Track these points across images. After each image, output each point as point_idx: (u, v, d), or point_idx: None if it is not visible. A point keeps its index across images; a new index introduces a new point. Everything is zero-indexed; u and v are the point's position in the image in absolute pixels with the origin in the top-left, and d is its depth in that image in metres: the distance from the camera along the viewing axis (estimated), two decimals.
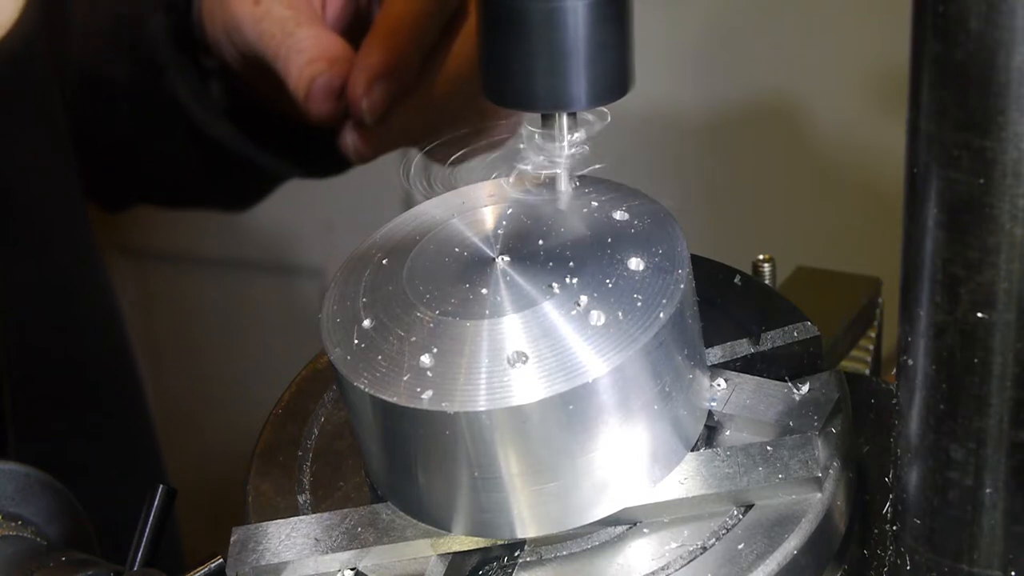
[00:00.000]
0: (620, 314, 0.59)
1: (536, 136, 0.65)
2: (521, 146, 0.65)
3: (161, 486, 0.74)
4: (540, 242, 0.62)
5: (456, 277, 0.62)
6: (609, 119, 0.65)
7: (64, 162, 1.18)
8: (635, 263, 0.61)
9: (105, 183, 1.28)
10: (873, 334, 0.86)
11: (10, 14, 0.55)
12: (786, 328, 0.68)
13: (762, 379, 0.66)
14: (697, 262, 0.63)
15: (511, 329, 0.59)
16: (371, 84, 0.99)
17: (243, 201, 1.42)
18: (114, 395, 1.26)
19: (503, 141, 1.19)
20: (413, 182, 0.67)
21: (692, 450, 0.63)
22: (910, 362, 0.57)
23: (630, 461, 0.60)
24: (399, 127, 1.03)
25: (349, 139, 1.05)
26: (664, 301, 0.59)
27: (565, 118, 0.64)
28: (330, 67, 1.01)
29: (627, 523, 0.62)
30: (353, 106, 1.00)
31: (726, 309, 0.70)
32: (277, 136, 1.18)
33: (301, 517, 0.64)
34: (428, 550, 0.62)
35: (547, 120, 0.64)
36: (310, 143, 1.15)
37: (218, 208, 1.54)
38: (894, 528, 0.61)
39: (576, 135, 0.64)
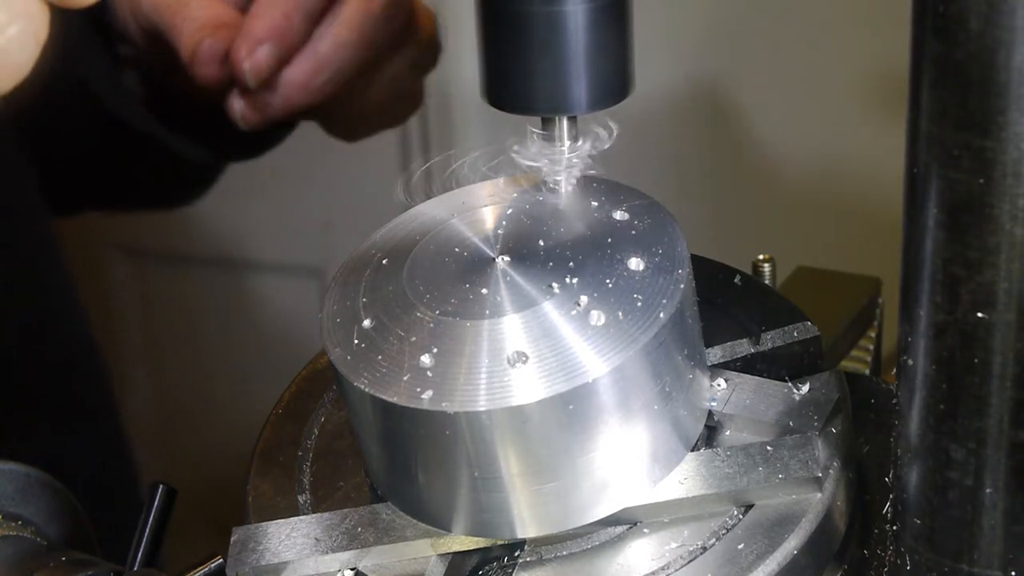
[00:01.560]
0: (620, 314, 0.59)
1: (536, 139, 0.65)
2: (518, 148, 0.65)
3: (161, 486, 0.74)
4: (540, 242, 0.62)
5: (456, 277, 0.62)
6: (615, 133, 0.65)
7: (23, 163, 1.18)
8: (635, 263, 0.61)
9: (51, 187, 1.28)
10: (873, 334, 0.86)
11: (31, 53, 0.55)
12: (786, 328, 0.68)
13: (762, 379, 0.66)
14: (697, 262, 0.63)
15: (511, 329, 0.59)
16: (253, 47, 1.00)
17: (182, 195, 1.42)
18: (81, 392, 1.26)
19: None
20: (413, 195, 0.67)
21: (692, 450, 0.63)
22: (910, 362, 0.57)
23: (630, 461, 0.60)
24: (285, 93, 1.04)
25: (236, 105, 1.06)
26: (664, 301, 0.59)
27: (565, 122, 0.64)
28: (216, 32, 1.02)
29: (627, 523, 0.62)
30: (235, 69, 1.01)
31: (726, 309, 0.70)
32: (191, 121, 1.17)
33: (301, 517, 0.64)
34: (428, 550, 0.62)
35: (547, 124, 0.65)
36: (223, 125, 1.15)
37: (160, 206, 1.54)
38: (894, 528, 0.61)
39: (580, 141, 0.65)
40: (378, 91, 1.11)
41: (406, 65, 1.11)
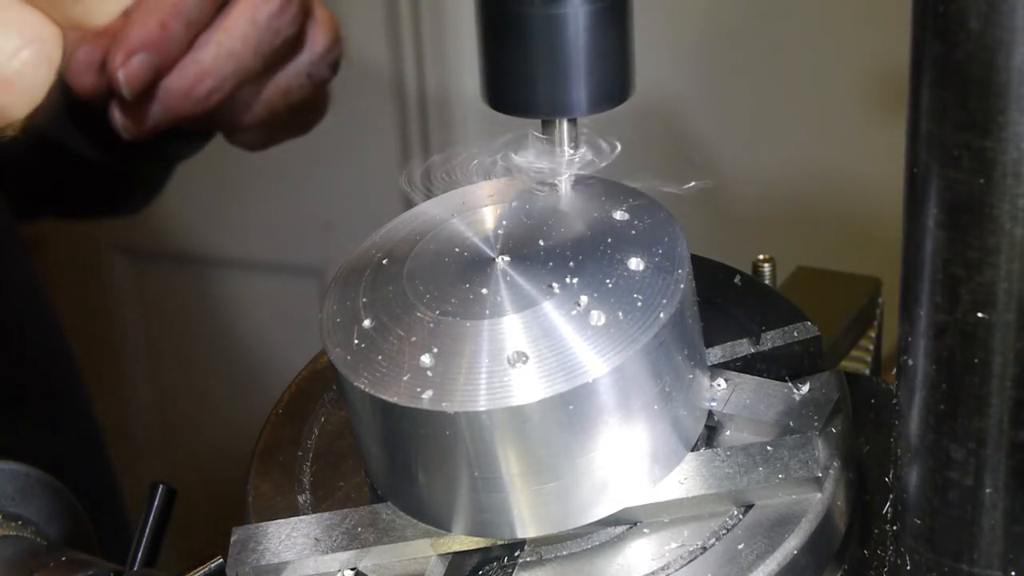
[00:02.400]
0: (620, 314, 0.59)
1: (537, 141, 0.65)
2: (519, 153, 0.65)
3: (161, 486, 0.74)
4: (540, 242, 0.62)
5: (456, 277, 0.62)
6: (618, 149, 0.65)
7: None
8: (635, 263, 0.61)
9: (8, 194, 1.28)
10: (873, 334, 0.86)
11: (45, 76, 0.54)
12: (786, 328, 0.68)
13: (762, 379, 0.66)
14: (697, 262, 0.63)
15: (511, 329, 0.59)
16: (128, 56, 0.98)
17: (123, 202, 1.40)
18: (53, 390, 1.26)
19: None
20: (414, 187, 0.67)
21: (692, 450, 0.63)
22: (910, 362, 0.57)
23: (630, 461, 0.60)
24: (166, 102, 1.02)
25: (116, 115, 1.03)
26: (664, 301, 0.59)
27: (566, 124, 0.64)
28: (95, 40, 0.99)
29: (627, 523, 0.62)
30: (111, 79, 0.99)
31: (726, 309, 0.70)
32: (98, 127, 1.14)
33: (301, 517, 0.64)
34: (428, 550, 0.62)
35: (547, 126, 0.65)
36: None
37: (107, 214, 1.53)
38: (894, 528, 0.61)
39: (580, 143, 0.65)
40: (271, 100, 1.09)
41: (301, 73, 1.09)
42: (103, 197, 1.36)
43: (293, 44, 1.06)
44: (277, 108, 1.10)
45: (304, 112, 1.15)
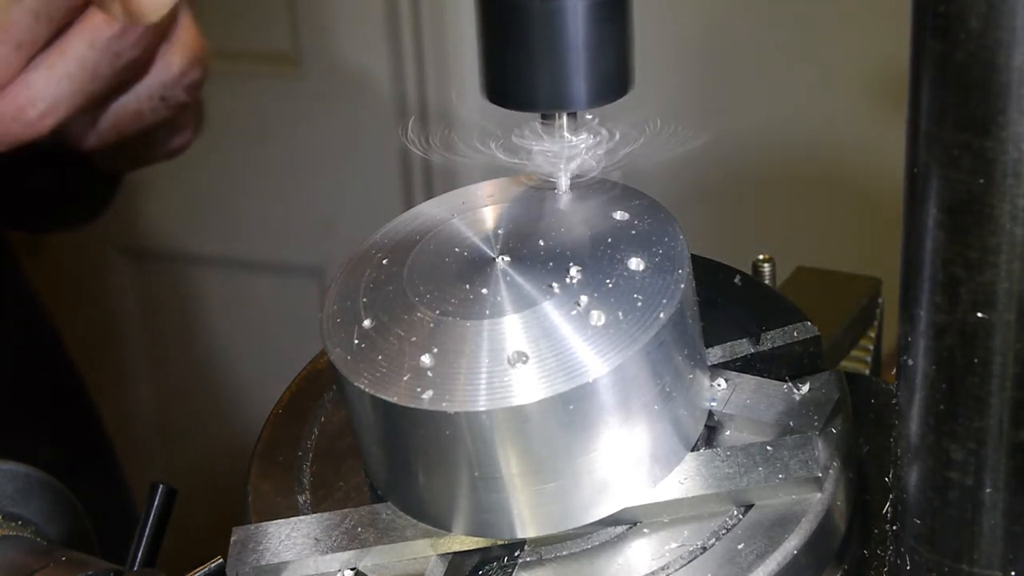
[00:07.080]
0: (620, 314, 0.59)
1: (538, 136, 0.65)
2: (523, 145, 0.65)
3: (161, 486, 0.74)
4: (540, 242, 0.62)
5: (456, 277, 0.62)
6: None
7: None
8: (635, 263, 0.61)
9: None
10: (873, 334, 0.86)
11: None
12: (786, 328, 0.68)
13: (762, 379, 0.66)
14: (697, 262, 0.63)
15: (511, 329, 0.59)
16: None
17: (74, 216, 1.38)
18: (51, 392, 1.25)
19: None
20: (411, 140, 0.67)
21: (692, 450, 0.63)
22: (910, 362, 0.57)
23: (630, 461, 0.60)
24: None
25: None
26: (664, 301, 0.59)
27: (566, 118, 0.64)
28: None
29: (627, 523, 0.62)
30: None
31: (726, 309, 0.70)
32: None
33: (301, 517, 0.64)
34: (428, 550, 0.62)
35: (547, 120, 0.65)
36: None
37: (66, 228, 1.51)
38: (894, 528, 0.61)
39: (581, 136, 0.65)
40: (121, 123, 1.06)
41: (154, 96, 1.06)
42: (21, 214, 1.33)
43: (139, 67, 1.03)
44: (128, 131, 1.07)
45: (165, 135, 1.13)
